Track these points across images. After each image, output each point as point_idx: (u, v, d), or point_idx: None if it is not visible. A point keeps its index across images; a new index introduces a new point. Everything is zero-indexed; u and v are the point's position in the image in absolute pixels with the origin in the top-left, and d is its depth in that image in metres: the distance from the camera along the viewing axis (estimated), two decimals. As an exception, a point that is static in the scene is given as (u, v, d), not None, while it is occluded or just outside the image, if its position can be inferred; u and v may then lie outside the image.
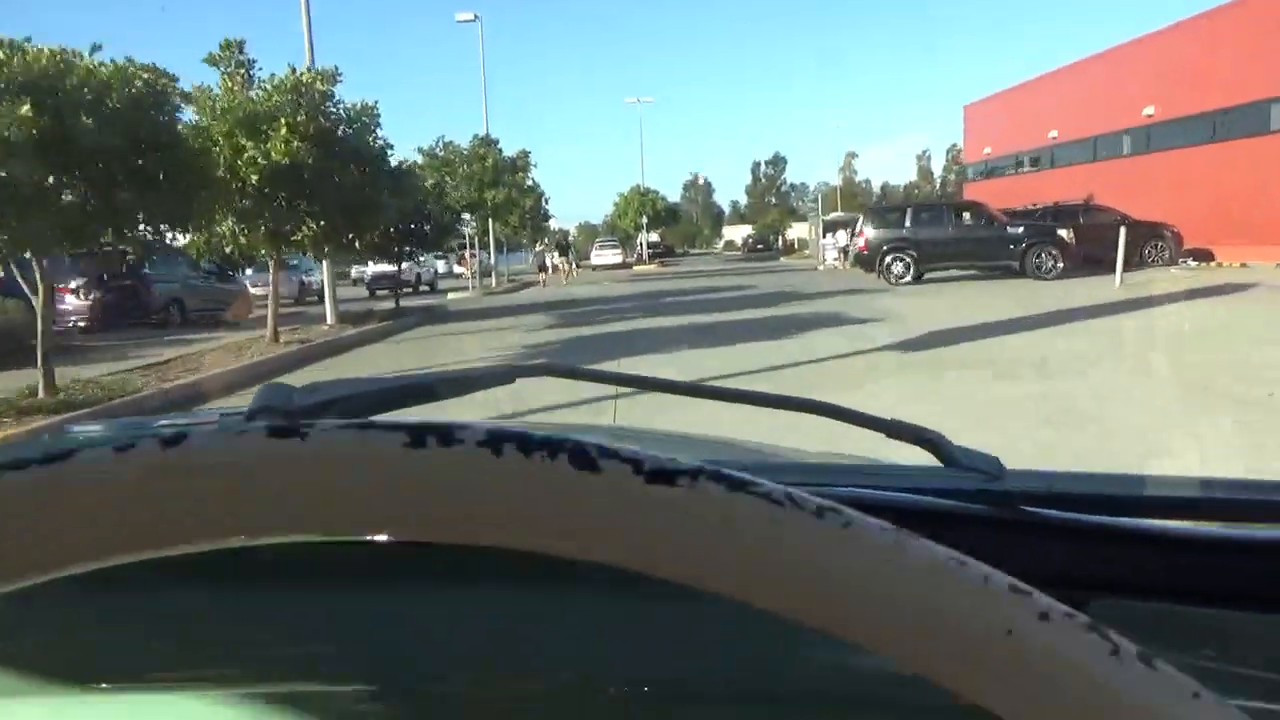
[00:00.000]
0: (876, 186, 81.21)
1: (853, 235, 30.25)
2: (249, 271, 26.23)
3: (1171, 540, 0.60)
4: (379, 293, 29.36)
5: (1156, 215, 20.98)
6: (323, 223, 11.18)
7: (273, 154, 10.14)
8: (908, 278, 19.45)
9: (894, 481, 0.70)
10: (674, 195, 62.21)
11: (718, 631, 0.60)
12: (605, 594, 0.60)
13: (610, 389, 4.88)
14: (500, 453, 0.23)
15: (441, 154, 24.41)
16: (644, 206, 47.03)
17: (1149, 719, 0.18)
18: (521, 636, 0.62)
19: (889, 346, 9.21)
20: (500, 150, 25.28)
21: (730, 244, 73.44)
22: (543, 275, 32.06)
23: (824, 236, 38.51)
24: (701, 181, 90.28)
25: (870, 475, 0.77)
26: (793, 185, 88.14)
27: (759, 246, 63.15)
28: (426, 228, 16.90)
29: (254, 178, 10.18)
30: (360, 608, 0.65)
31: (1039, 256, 18.44)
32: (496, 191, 24.56)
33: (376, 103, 11.92)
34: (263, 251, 11.74)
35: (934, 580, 0.20)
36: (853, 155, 76.99)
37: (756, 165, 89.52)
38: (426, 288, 30.59)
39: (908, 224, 19.97)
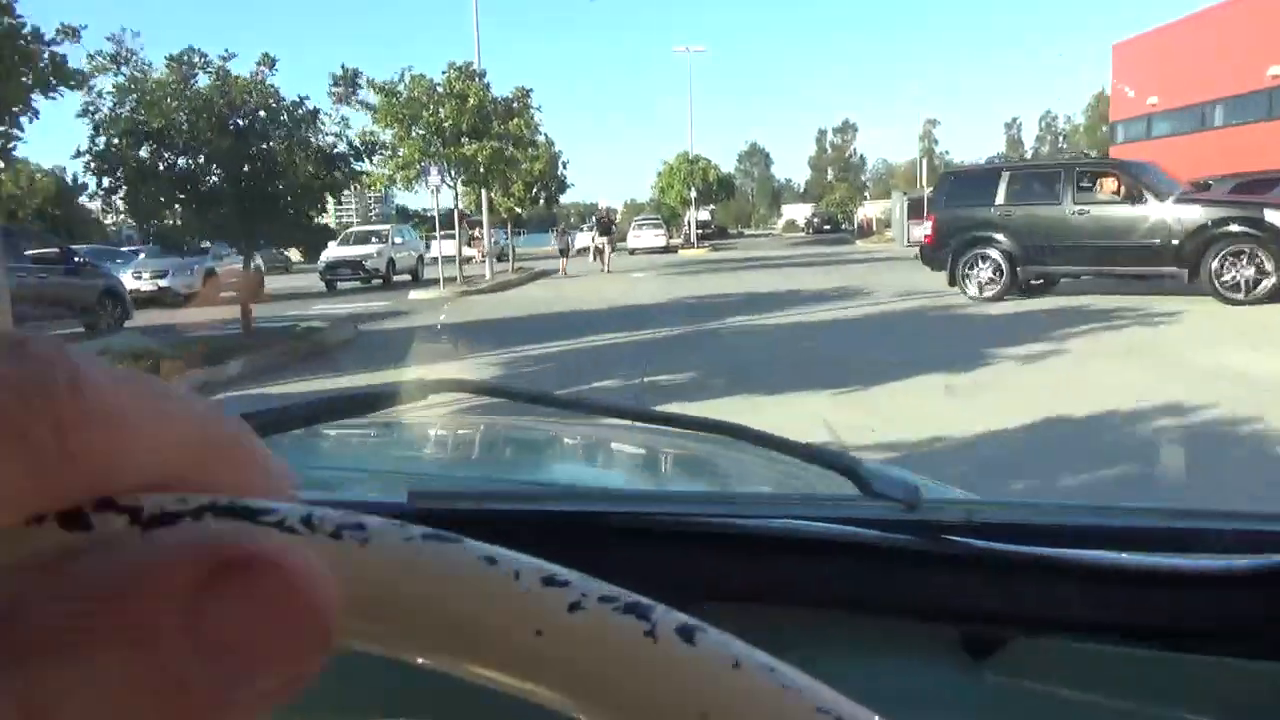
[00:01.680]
0: (961, 160, 72.49)
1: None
2: (141, 255, 19.54)
3: (1092, 571, 0.60)
4: (339, 285, 22.73)
5: None
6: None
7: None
8: (996, 288, 11.88)
9: (813, 511, 0.70)
10: (726, 167, 54.70)
11: None
12: None
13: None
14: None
15: (408, 93, 17.28)
16: (692, 177, 39.59)
17: (686, 694, 0.18)
18: None
19: None
20: (488, 86, 17.99)
21: (791, 224, 65.49)
22: (563, 262, 25.02)
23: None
24: (759, 151, 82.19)
25: (789, 505, 0.77)
26: (863, 156, 79.72)
27: (826, 227, 55.38)
28: (285, 197, 9.42)
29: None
30: None
31: (1229, 261, 10.33)
32: (480, 145, 17.32)
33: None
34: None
35: (457, 584, 0.20)
36: (933, 123, 68.33)
37: (822, 134, 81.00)
38: (407, 276, 23.81)
39: (1000, 199, 12.14)
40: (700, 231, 41.70)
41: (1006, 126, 74.63)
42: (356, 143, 8.89)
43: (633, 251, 35.05)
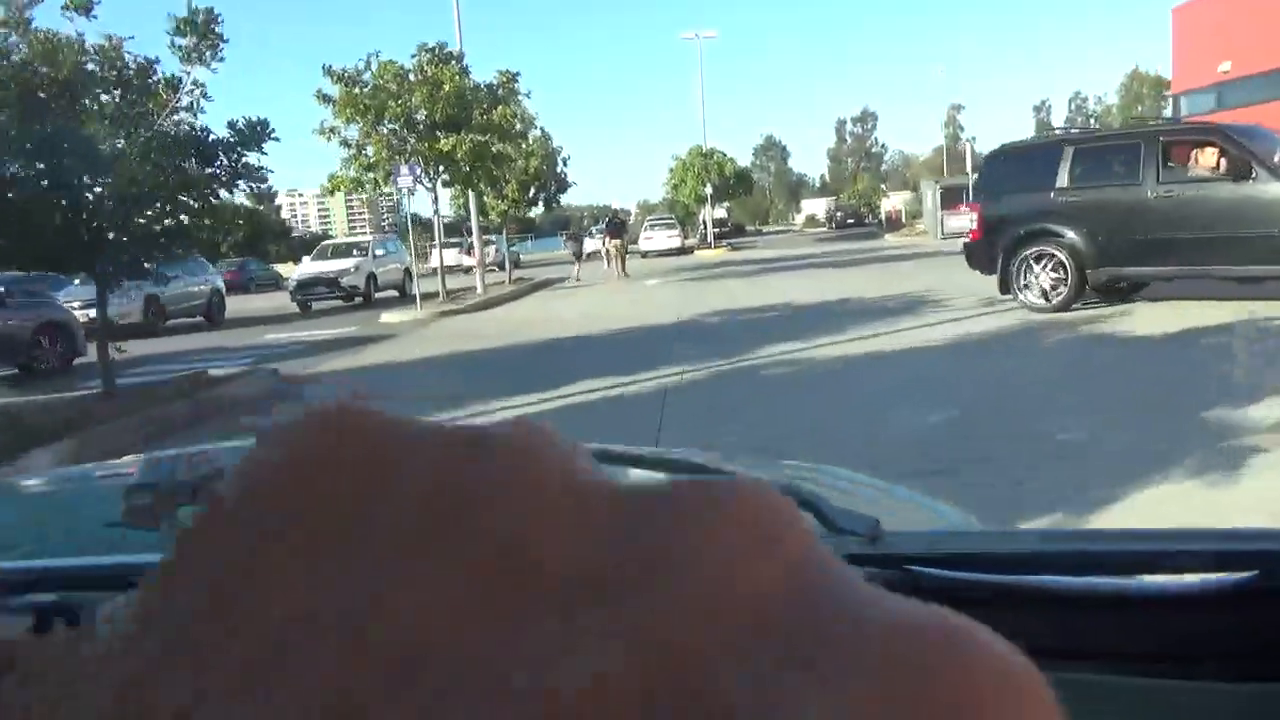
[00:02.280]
0: (970, 151, 69.12)
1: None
2: (75, 282, 17.10)
3: (1060, 597, 0.59)
4: (315, 305, 20.33)
5: None
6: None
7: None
8: (1061, 295, 9.23)
9: None
10: (742, 162, 51.93)
11: None
12: None
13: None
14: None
15: (374, 81, 14.79)
16: (707, 172, 36.96)
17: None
18: None
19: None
20: (467, 71, 15.46)
21: (812, 219, 62.65)
22: (576, 267, 22.67)
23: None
24: (775, 145, 79.24)
25: None
26: (885, 145, 76.63)
27: (849, 221, 52.62)
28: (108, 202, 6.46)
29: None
30: None
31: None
32: (459, 138, 14.79)
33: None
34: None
35: None
36: (958, 108, 64.99)
37: (841, 123, 77.82)
38: (394, 292, 21.39)
39: (1063, 180, 9.41)
40: (717, 230, 39.04)
41: (1035, 110, 71.42)
42: (240, 124, 6.29)
43: (645, 254, 32.45)
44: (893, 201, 52.20)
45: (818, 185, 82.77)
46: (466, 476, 0.14)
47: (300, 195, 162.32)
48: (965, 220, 33.12)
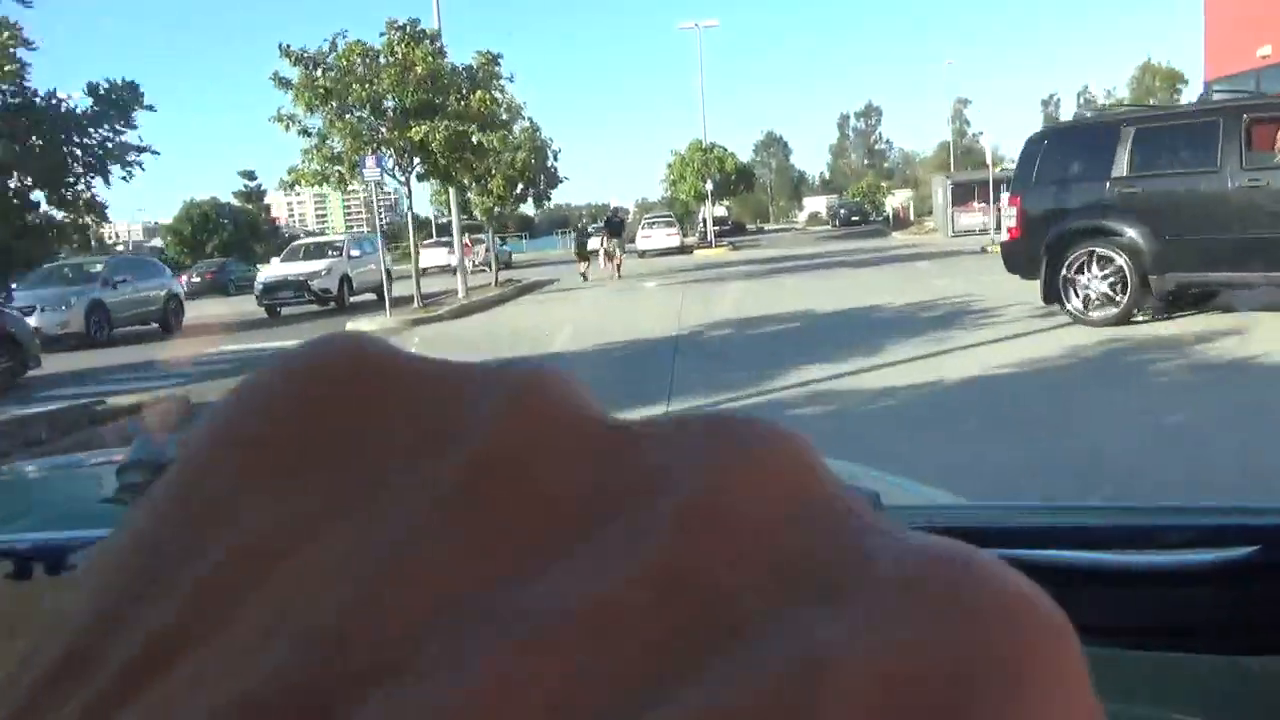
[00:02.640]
0: (990, 144, 67.58)
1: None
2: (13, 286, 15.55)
3: (1058, 572, 0.59)
4: (281, 309, 18.82)
5: None
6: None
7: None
8: (1118, 305, 7.78)
9: None
10: (742, 157, 50.30)
11: None
12: None
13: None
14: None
15: (338, 63, 13.27)
16: (707, 168, 35.43)
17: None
18: None
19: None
20: (442, 52, 13.95)
21: (815, 216, 61.11)
22: (582, 265, 21.79)
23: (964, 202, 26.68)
24: (777, 141, 77.46)
25: None
26: (889, 141, 74.81)
27: (854, 219, 51.12)
28: None
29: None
30: None
31: None
32: (432, 125, 13.28)
33: None
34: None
35: None
36: (964, 103, 63.31)
37: (844, 119, 76.03)
38: (372, 295, 19.87)
39: (1122, 168, 7.90)
40: (717, 228, 37.54)
41: (1043, 104, 69.84)
42: (104, 88, 4.74)
43: (643, 254, 30.95)
44: (899, 198, 50.73)
45: (817, 183, 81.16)
46: (467, 398, 0.13)
47: (297, 194, 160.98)
48: (978, 218, 31.65)
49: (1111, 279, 7.87)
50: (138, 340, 15.08)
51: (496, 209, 21.02)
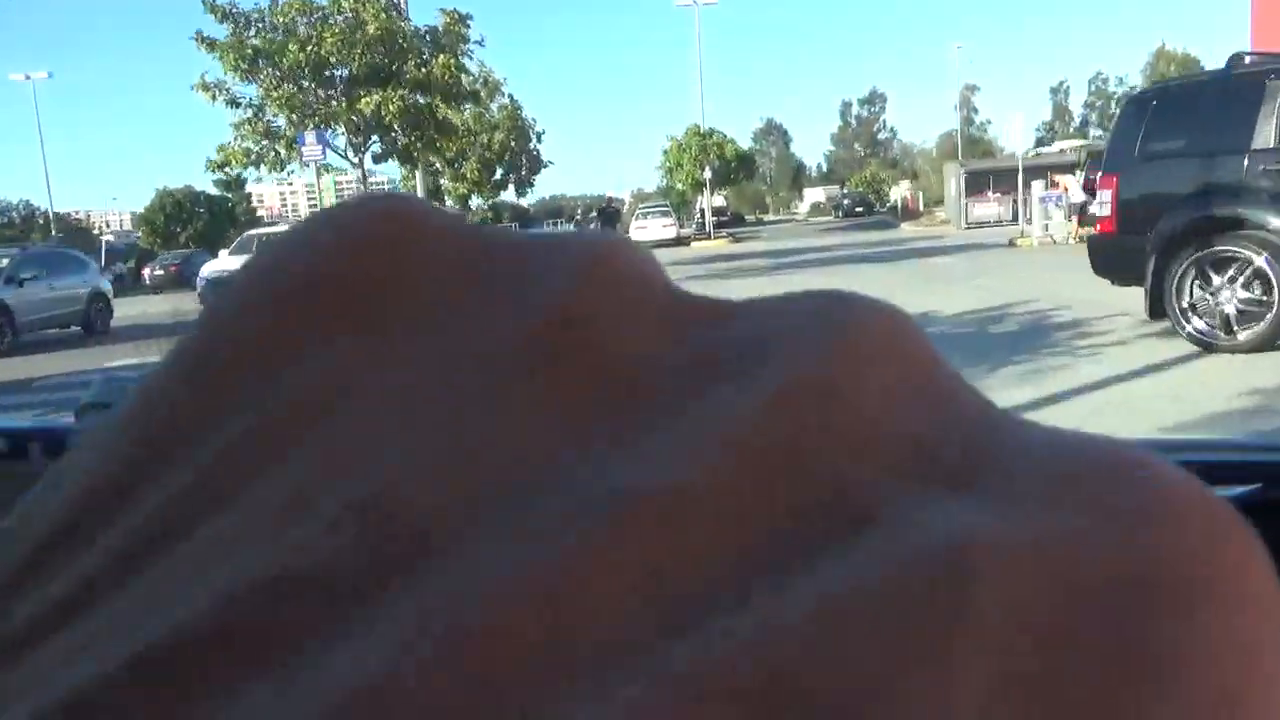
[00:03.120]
0: (999, 133, 65.48)
1: (1086, 179, 16.73)
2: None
3: None
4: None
5: None
6: None
7: None
8: (1262, 324, 5.77)
9: None
10: (741, 145, 48.14)
11: None
12: None
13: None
14: None
15: (275, 21, 11.23)
16: (705, 154, 33.37)
17: None
18: None
19: None
20: (398, 8, 11.91)
21: (817, 207, 59.08)
22: None
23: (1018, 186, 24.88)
24: (776, 129, 75.05)
25: None
26: (894, 129, 72.41)
27: (858, 210, 49.16)
28: None
29: None
30: None
31: None
32: (385, 94, 11.24)
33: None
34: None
35: None
36: (972, 89, 61.07)
37: (846, 105, 73.49)
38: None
39: (1267, 137, 5.87)
40: (716, 219, 35.55)
41: (1052, 91, 67.73)
42: None
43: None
44: (904, 188, 48.73)
45: (816, 173, 78.90)
46: (539, 274, 0.12)
47: (289, 183, 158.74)
48: (993, 208, 29.64)
49: (1248, 289, 5.96)
50: (52, 346, 13.11)
51: (473, 197, 19.04)
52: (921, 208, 39.34)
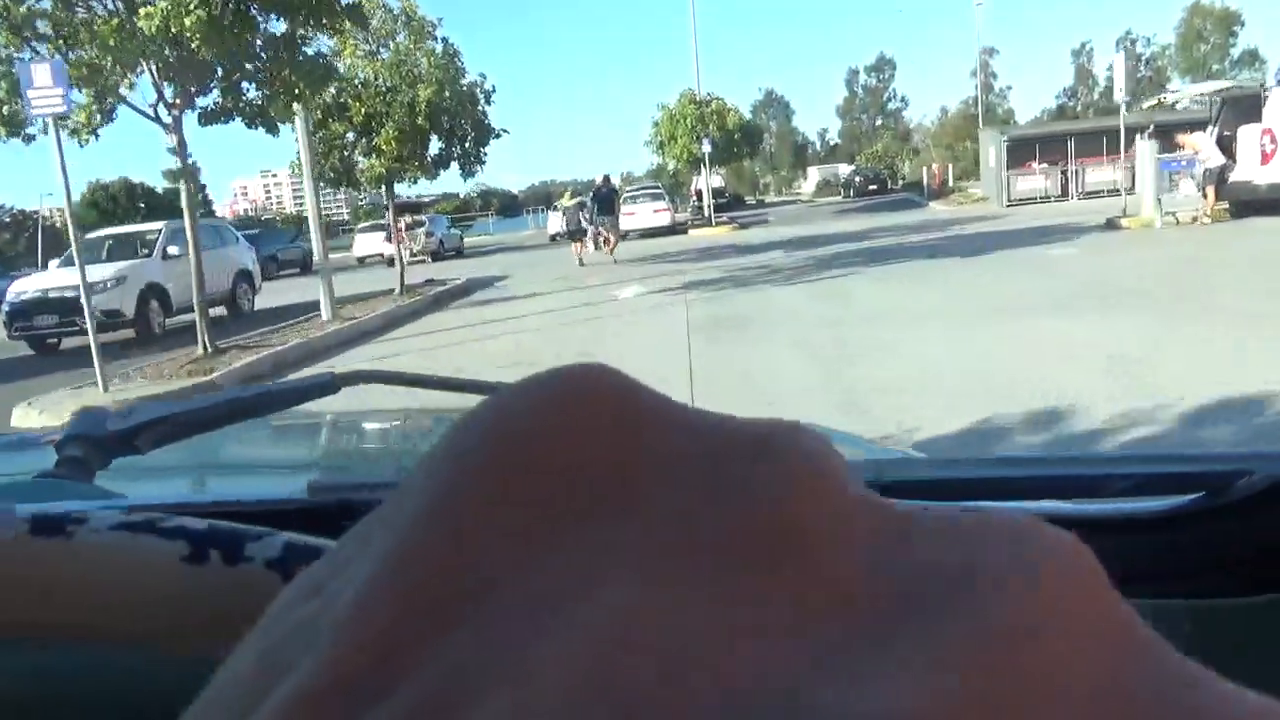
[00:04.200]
0: (1016, 103, 60.83)
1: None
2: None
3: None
4: (53, 338, 12.34)
5: None
6: None
7: None
8: None
9: None
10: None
11: None
12: None
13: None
14: (291, 577, 0.22)
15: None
16: (703, 124, 28.54)
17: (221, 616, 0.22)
18: None
19: None
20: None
21: (826, 185, 54.22)
22: (578, 247, 17.35)
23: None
24: (777, 100, 69.95)
25: None
26: (905, 98, 67.18)
27: (871, 187, 44.58)
28: None
29: None
30: None
31: None
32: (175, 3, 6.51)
33: None
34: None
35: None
36: (990, 52, 55.80)
37: (853, 74, 68.33)
38: (222, 310, 13.43)
39: None
40: (716, 202, 30.87)
41: (1074, 54, 62.90)
42: None
43: (624, 234, 24.42)
44: (924, 160, 44.00)
45: (822, 148, 73.67)
46: (756, 475, 0.12)
47: (274, 175, 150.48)
48: (1039, 181, 24.91)
49: None
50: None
51: (407, 180, 14.40)
52: (949, 183, 34.66)
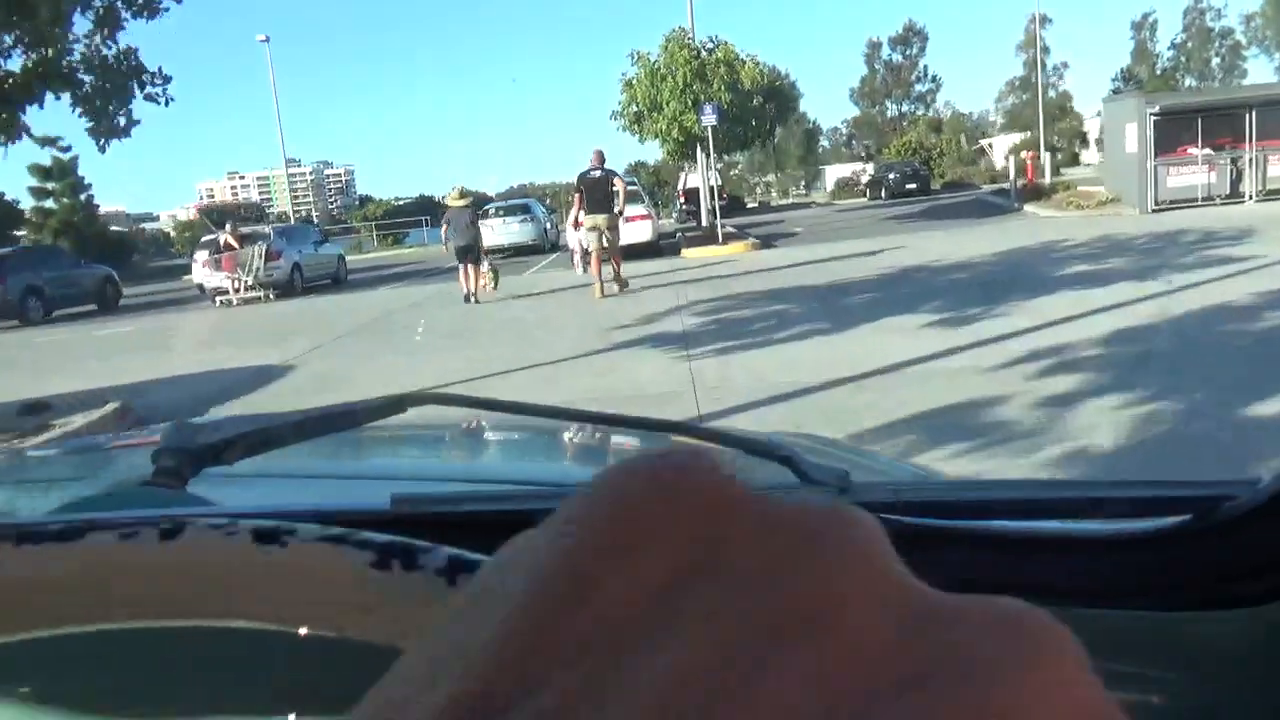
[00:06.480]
0: (1069, 84, 51.96)
1: None
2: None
3: (1009, 540, 0.66)
4: None
5: None
6: None
7: None
8: None
9: None
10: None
11: None
12: None
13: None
14: (455, 583, 0.29)
15: None
16: (704, 83, 18.74)
17: (401, 613, 0.26)
18: None
19: None
20: None
21: (849, 183, 44.77)
22: (466, 276, 12.58)
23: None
24: (782, 80, 60.41)
25: None
26: (936, 78, 57.74)
27: (910, 186, 35.71)
28: None
29: None
30: None
31: None
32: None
33: None
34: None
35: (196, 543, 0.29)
36: (1042, 21, 46.56)
37: (873, 48, 57.51)
38: None
39: None
40: (714, 205, 21.66)
41: (1134, 27, 54.19)
42: None
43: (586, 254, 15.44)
44: (1000, 149, 35.00)
45: (845, 139, 62.89)
46: (807, 571, 0.14)
47: (241, 177, 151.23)
48: (1200, 177, 15.75)
49: None
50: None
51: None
52: (1049, 182, 25.65)
